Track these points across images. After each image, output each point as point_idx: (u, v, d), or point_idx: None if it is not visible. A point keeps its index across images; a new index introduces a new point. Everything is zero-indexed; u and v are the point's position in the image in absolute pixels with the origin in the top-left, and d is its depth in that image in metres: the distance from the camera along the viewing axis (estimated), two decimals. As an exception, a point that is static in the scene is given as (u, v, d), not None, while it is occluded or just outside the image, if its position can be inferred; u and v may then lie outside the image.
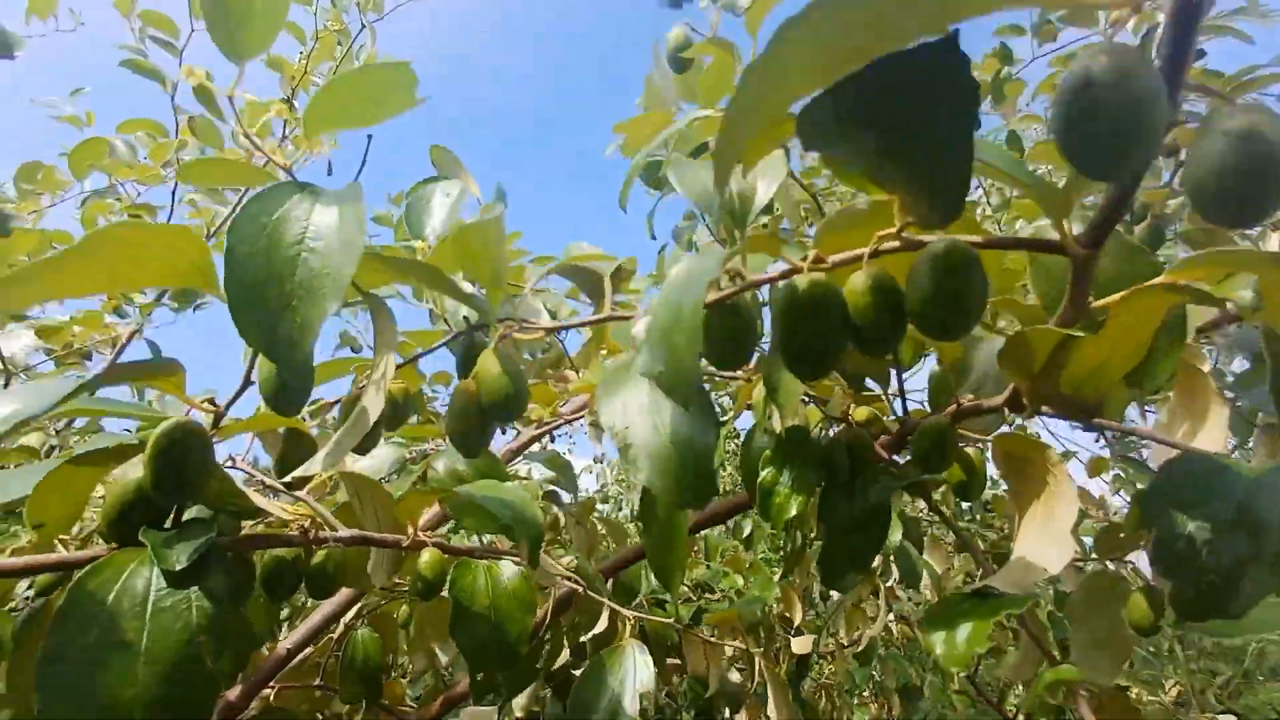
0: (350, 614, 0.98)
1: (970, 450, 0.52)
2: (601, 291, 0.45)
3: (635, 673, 0.54)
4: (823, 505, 0.57)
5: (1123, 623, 0.54)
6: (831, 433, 0.56)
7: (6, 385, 1.36)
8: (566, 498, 0.87)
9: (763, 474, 0.53)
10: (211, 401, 0.37)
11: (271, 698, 0.97)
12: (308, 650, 1.00)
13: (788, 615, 1.34)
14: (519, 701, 1.00)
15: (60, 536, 0.40)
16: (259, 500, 0.42)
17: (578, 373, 1.06)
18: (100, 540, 0.37)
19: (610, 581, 0.91)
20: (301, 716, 1.00)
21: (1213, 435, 0.49)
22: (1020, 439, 0.48)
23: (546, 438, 1.05)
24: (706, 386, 0.41)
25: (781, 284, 0.28)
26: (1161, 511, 0.30)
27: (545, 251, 0.96)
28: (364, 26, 2.15)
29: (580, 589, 0.63)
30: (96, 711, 0.28)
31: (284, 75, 1.66)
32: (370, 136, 0.50)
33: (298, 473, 0.39)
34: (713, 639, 1.18)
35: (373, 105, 0.36)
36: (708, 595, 1.29)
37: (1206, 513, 0.28)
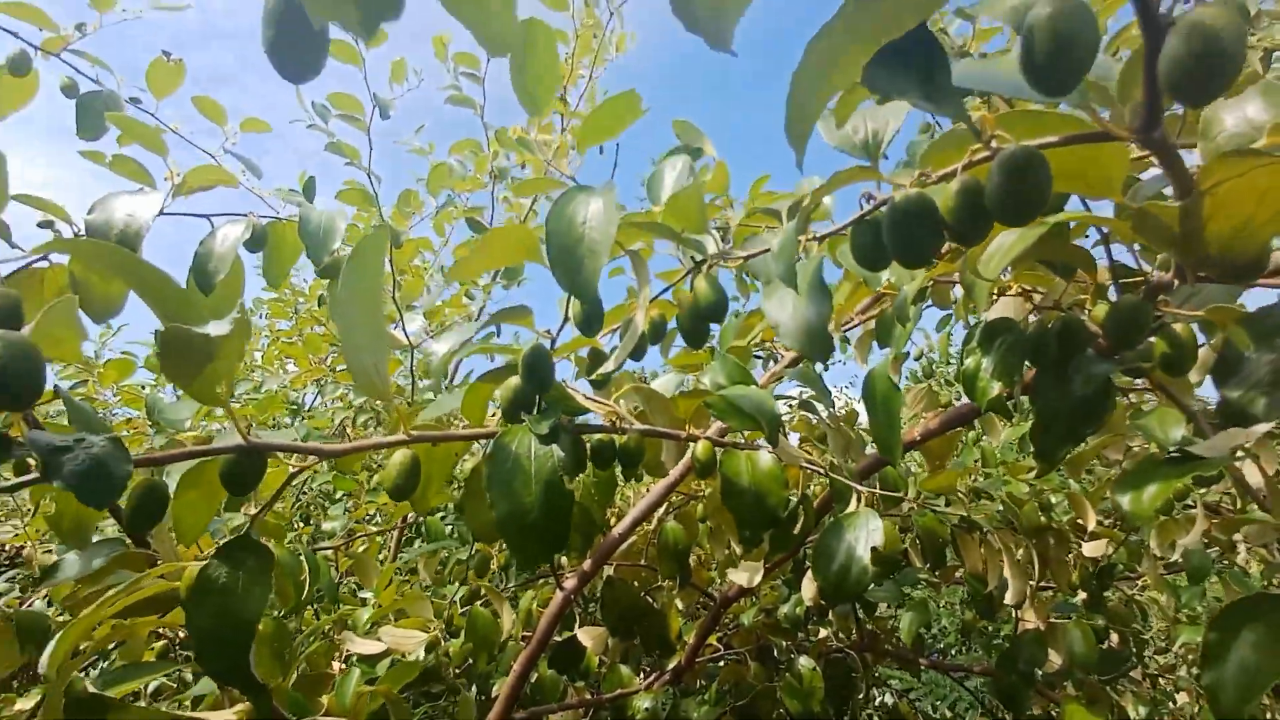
0: (660, 510, 1.24)
1: (1179, 326, 0.54)
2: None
3: (868, 530, 0.66)
4: (1037, 387, 0.63)
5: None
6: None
7: (411, 360, 1.89)
8: (820, 407, 1.00)
9: (967, 362, 0.62)
10: (548, 332, 0.59)
11: (612, 570, 1.27)
12: (632, 538, 1.29)
13: (1080, 521, 1.30)
14: (809, 591, 1.17)
15: (476, 422, 0.65)
16: (581, 400, 0.64)
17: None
18: (501, 421, 0.61)
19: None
20: (635, 587, 1.29)
21: None
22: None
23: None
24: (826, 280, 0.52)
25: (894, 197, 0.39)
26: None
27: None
28: (612, 15, 2.40)
29: (822, 472, 0.77)
30: (513, 503, 0.51)
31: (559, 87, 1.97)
32: (618, 145, 0.68)
33: (598, 373, 0.60)
34: (990, 539, 1.22)
35: (616, 122, 0.54)
36: (986, 501, 1.31)
37: None
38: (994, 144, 0.38)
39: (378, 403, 1.97)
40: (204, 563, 0.52)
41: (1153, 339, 0.56)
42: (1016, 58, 0.29)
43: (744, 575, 0.84)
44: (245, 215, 0.82)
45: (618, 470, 0.80)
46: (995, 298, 0.69)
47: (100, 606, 0.52)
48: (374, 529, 1.80)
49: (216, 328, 0.39)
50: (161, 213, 0.74)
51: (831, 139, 0.43)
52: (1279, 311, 0.40)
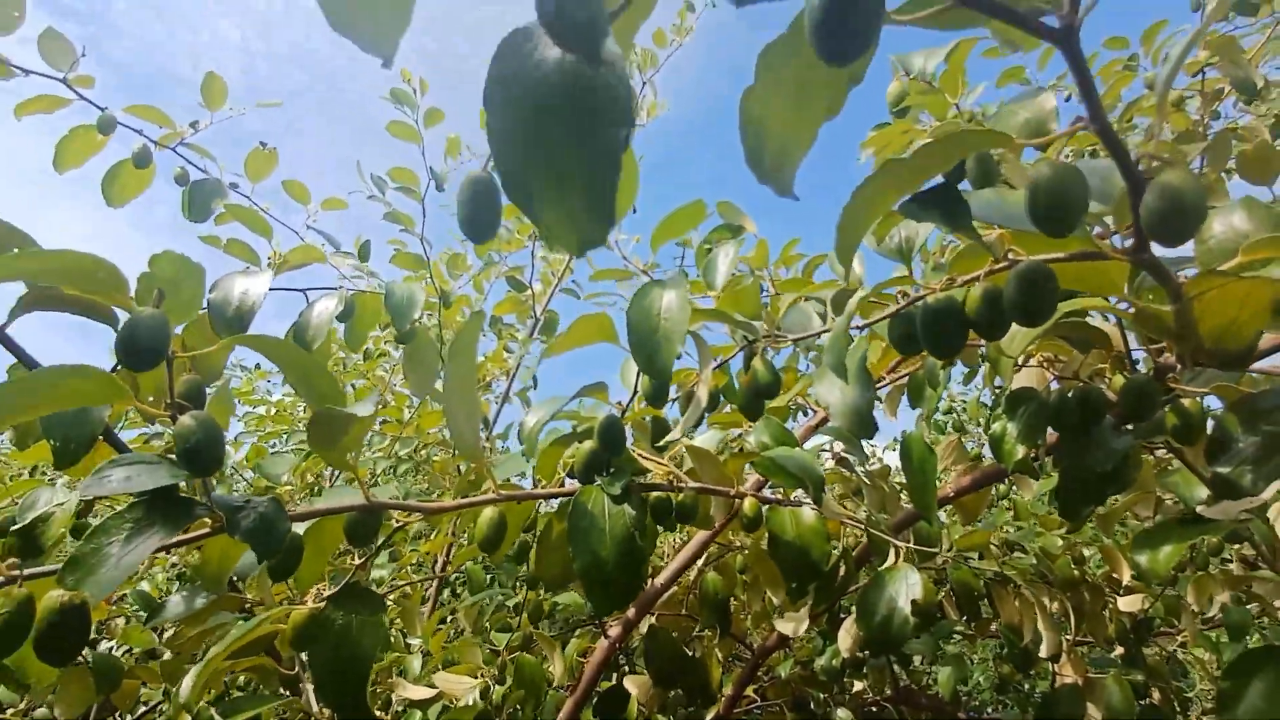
0: (700, 561, 1.29)
1: (1187, 401, 0.60)
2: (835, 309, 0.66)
3: (908, 584, 0.72)
4: (1060, 450, 0.69)
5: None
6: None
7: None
8: (856, 464, 1.06)
9: (994, 427, 0.68)
10: (619, 404, 0.66)
11: (655, 619, 1.32)
12: (673, 588, 1.34)
13: (1114, 574, 1.32)
14: (846, 643, 1.21)
15: (548, 480, 0.73)
16: (644, 462, 0.72)
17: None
18: (573, 481, 0.68)
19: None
20: (676, 635, 1.34)
21: None
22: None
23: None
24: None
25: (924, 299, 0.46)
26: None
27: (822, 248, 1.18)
28: (644, 84, 2.55)
29: (862, 528, 0.83)
30: (592, 556, 0.58)
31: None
32: (684, 244, 0.77)
33: (661, 442, 0.67)
34: (1025, 593, 1.25)
35: (684, 225, 0.63)
36: (1019, 554, 1.35)
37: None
38: (1010, 256, 0.45)
39: (434, 458, 2.05)
40: (319, 607, 0.60)
41: (1165, 410, 0.62)
42: (1024, 199, 0.36)
43: (789, 625, 0.89)
44: (337, 289, 0.91)
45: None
46: (1019, 368, 0.76)
47: (227, 646, 0.59)
48: (417, 578, 1.86)
49: (361, 408, 0.47)
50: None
51: (873, 246, 0.51)
52: (1261, 399, 0.46)
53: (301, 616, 0.63)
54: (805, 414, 1.55)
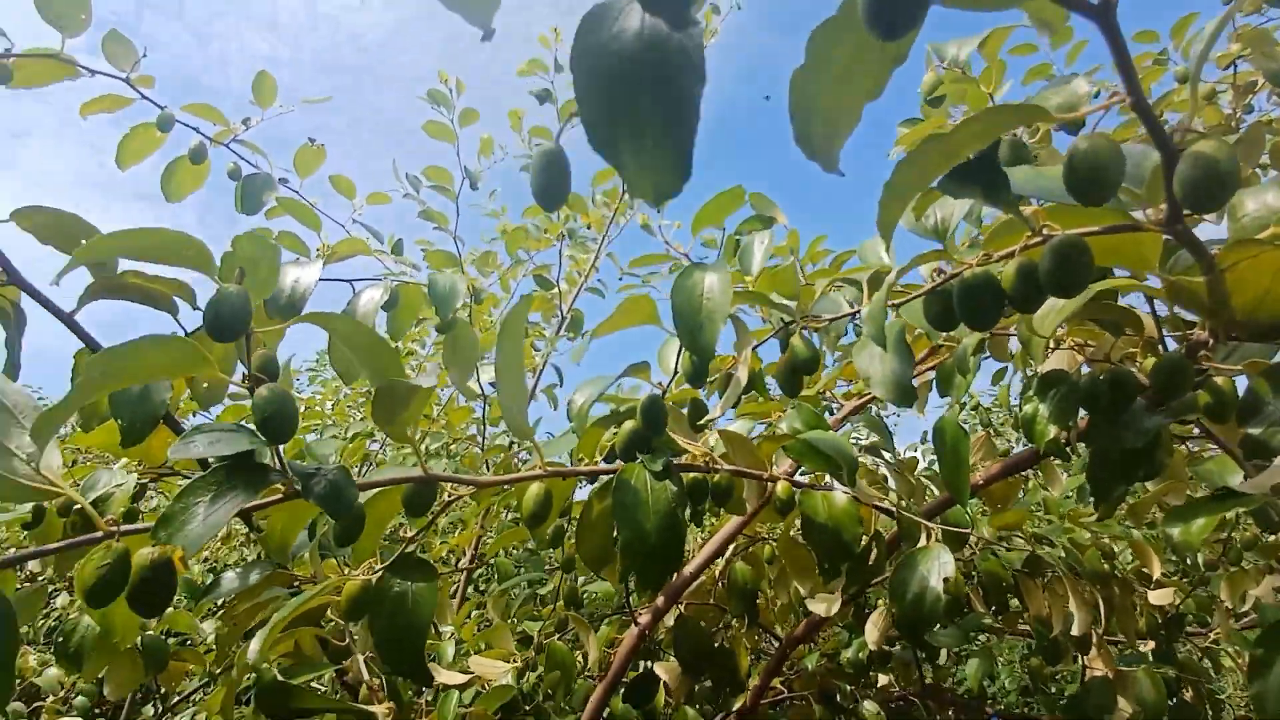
0: (729, 550, 1.31)
1: (1220, 379, 0.61)
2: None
3: (940, 563, 0.73)
4: (1091, 431, 0.70)
5: None
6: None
7: (485, 405, 2.02)
8: (886, 453, 1.07)
9: (1025, 408, 0.69)
10: (660, 384, 0.69)
11: (684, 609, 1.34)
12: (701, 577, 1.36)
13: (1145, 569, 1.32)
14: (874, 634, 1.23)
15: (590, 459, 0.75)
16: (682, 442, 0.74)
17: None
18: (618, 460, 0.71)
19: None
20: (705, 624, 1.36)
21: None
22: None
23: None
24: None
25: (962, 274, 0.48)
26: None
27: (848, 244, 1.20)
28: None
29: (892, 513, 0.84)
30: (636, 530, 0.60)
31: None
32: (724, 229, 0.80)
33: (702, 421, 0.70)
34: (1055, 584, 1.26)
35: (723, 211, 0.65)
36: (1048, 548, 1.35)
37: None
38: (1045, 231, 0.47)
39: (463, 453, 2.08)
40: (376, 576, 0.63)
41: (1197, 390, 0.63)
42: (1062, 172, 0.38)
43: (822, 605, 0.90)
44: (382, 279, 0.95)
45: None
46: (1050, 351, 0.77)
47: (290, 611, 0.63)
48: (445, 570, 1.90)
49: (424, 379, 0.50)
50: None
51: (909, 225, 0.53)
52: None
53: (356, 587, 0.66)
54: (830, 412, 1.56)
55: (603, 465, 0.70)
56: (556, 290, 2.29)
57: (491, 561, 1.95)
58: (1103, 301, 0.61)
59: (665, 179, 0.27)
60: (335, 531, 0.58)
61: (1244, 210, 0.51)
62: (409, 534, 0.66)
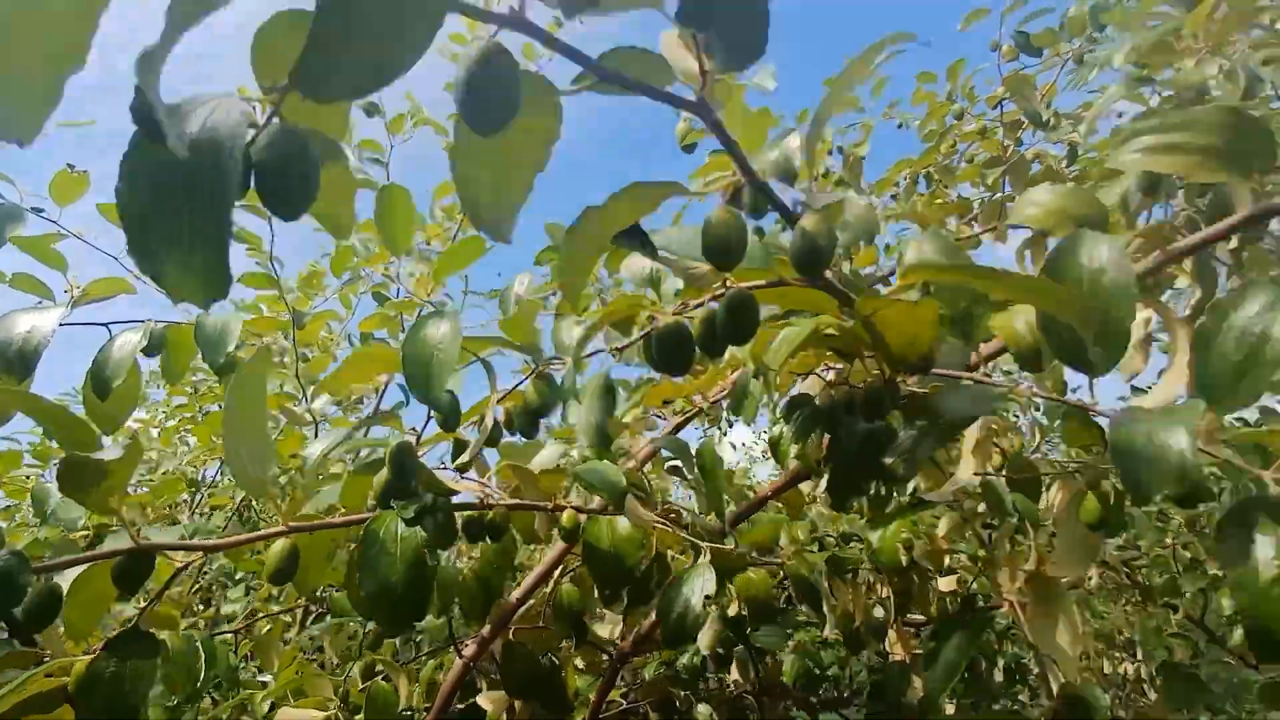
0: (556, 573, 1.32)
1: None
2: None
3: (703, 584, 0.78)
4: (830, 447, 0.77)
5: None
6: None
7: (316, 433, 1.92)
8: (685, 470, 1.12)
9: (773, 430, 0.75)
10: (414, 429, 0.68)
11: (511, 634, 1.33)
12: (530, 601, 1.36)
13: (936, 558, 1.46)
14: (705, 640, 1.27)
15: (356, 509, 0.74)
16: (449, 483, 0.74)
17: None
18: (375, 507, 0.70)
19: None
20: (534, 650, 1.36)
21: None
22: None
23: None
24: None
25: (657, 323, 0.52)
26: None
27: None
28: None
29: (679, 530, 0.88)
30: (380, 582, 0.60)
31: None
32: (466, 276, 0.80)
33: (459, 462, 0.70)
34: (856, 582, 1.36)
35: (464, 260, 0.66)
36: (856, 544, 1.46)
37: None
38: (729, 283, 0.51)
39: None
40: (93, 657, 0.58)
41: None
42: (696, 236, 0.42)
43: (606, 628, 0.93)
44: (143, 322, 0.88)
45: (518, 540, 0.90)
46: (802, 379, 0.83)
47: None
48: (276, 608, 1.79)
49: (110, 452, 0.47)
50: (61, 324, 0.80)
51: (623, 276, 0.56)
52: (930, 398, 0.54)
53: (82, 667, 0.61)
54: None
55: (363, 514, 0.69)
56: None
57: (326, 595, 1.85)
58: (818, 337, 0.67)
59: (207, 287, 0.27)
60: (21, 619, 0.53)
61: (905, 261, 0.57)
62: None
